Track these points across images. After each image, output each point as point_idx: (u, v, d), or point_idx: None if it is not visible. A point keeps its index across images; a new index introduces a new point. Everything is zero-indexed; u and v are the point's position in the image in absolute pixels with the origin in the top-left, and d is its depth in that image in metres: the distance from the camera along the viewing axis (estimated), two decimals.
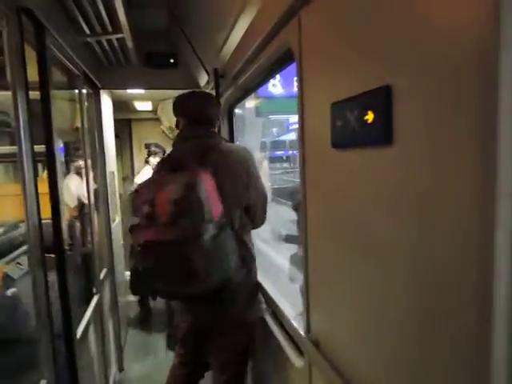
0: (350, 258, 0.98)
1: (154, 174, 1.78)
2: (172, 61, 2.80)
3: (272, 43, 1.44)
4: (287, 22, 1.25)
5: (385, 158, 0.79)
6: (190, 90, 1.84)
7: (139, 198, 1.52)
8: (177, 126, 1.85)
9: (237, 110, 2.76)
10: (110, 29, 2.01)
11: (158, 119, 5.23)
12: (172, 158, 1.73)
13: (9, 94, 1.34)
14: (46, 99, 1.47)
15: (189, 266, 1.45)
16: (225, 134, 2.57)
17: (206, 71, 2.62)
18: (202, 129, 1.74)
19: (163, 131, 5.56)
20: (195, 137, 1.72)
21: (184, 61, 2.90)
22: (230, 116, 2.62)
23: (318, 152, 1.12)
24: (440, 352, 0.66)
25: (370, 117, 0.81)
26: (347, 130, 0.90)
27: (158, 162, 1.89)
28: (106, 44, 2.26)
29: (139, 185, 1.61)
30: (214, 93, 2.39)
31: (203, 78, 2.81)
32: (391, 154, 0.76)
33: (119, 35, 2.09)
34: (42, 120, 1.47)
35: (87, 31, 1.98)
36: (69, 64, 1.93)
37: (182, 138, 1.74)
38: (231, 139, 2.62)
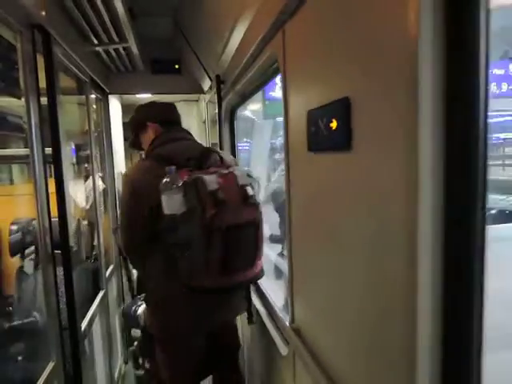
0: (323, 252, 1.08)
1: (153, 170, 1.55)
2: (176, 67, 2.94)
3: (262, 53, 1.54)
4: (274, 35, 1.35)
5: (346, 162, 0.89)
6: (149, 101, 1.84)
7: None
8: (135, 143, 1.82)
9: (247, 113, 2.86)
10: (116, 38, 2.14)
11: None
12: (172, 157, 1.59)
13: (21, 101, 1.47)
14: (53, 104, 1.60)
15: (258, 247, 1.54)
16: (226, 136, 2.68)
17: (209, 77, 2.75)
18: (183, 131, 1.78)
19: None
20: (184, 138, 1.73)
21: (188, 67, 3.03)
22: (232, 119, 2.73)
23: (298, 155, 1.22)
24: (385, 330, 0.75)
25: (334, 124, 0.91)
26: (319, 135, 1.00)
27: (150, 159, 1.66)
28: (113, 52, 2.40)
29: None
30: (216, 97, 2.52)
31: (206, 83, 2.93)
32: (350, 158, 0.86)
33: (125, 44, 2.22)
34: (49, 123, 1.60)
35: (95, 41, 2.12)
36: (77, 72, 2.07)
37: (170, 139, 1.69)
38: (232, 142, 2.73)
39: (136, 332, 2.33)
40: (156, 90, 3.10)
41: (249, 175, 1.58)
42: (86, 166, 3.63)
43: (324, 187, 1.03)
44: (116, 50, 2.38)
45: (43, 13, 1.45)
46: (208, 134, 3.45)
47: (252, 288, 1.85)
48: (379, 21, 0.72)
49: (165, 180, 1.43)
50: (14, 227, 2.87)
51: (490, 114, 0.58)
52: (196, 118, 4.08)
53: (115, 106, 3.31)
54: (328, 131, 0.94)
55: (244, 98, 2.30)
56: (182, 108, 4.14)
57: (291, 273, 1.36)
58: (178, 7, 2.52)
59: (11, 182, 4.68)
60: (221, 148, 2.62)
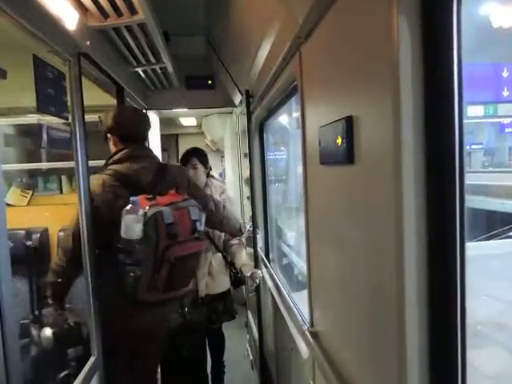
0: (334, 258, 1.15)
1: (115, 189, 1.69)
2: (209, 82, 3.11)
3: (283, 72, 1.64)
4: (292, 56, 1.45)
5: (350, 174, 0.96)
6: (125, 106, 1.88)
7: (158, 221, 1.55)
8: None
9: (283, 122, 2.99)
10: (153, 60, 2.33)
11: (202, 133, 5.62)
12: (134, 178, 1.73)
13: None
14: None
15: (194, 272, 1.80)
16: (256, 148, 2.79)
17: (240, 91, 2.88)
18: (145, 148, 1.91)
19: (207, 144, 5.95)
20: (146, 155, 1.84)
21: (220, 82, 3.19)
22: (261, 132, 2.84)
23: (312, 167, 1.31)
24: (379, 320, 0.82)
25: (339, 140, 0.99)
26: (327, 150, 1.09)
27: (113, 179, 1.73)
28: (150, 72, 2.59)
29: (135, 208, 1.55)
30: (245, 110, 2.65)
31: (237, 98, 3.07)
32: (353, 171, 0.94)
33: (161, 65, 2.40)
34: None
35: (134, 63, 2.32)
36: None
37: (133, 157, 1.78)
38: (262, 153, 2.83)
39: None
40: (190, 105, 3.29)
41: (200, 210, 1.72)
42: None
43: (333, 198, 1.11)
44: (153, 70, 2.57)
45: (88, 43, 1.64)
46: (239, 145, 3.58)
47: (275, 291, 1.95)
48: (373, 51, 0.80)
49: (128, 207, 1.53)
50: (62, 234, 3.13)
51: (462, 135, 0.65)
52: (229, 129, 4.24)
53: (154, 119, 3.53)
54: (335, 146, 1.02)
55: (270, 112, 2.41)
56: (216, 120, 4.32)
57: (309, 278, 1.44)
58: (210, 26, 2.68)
59: (61, 191, 5.06)
60: (250, 159, 2.71)
